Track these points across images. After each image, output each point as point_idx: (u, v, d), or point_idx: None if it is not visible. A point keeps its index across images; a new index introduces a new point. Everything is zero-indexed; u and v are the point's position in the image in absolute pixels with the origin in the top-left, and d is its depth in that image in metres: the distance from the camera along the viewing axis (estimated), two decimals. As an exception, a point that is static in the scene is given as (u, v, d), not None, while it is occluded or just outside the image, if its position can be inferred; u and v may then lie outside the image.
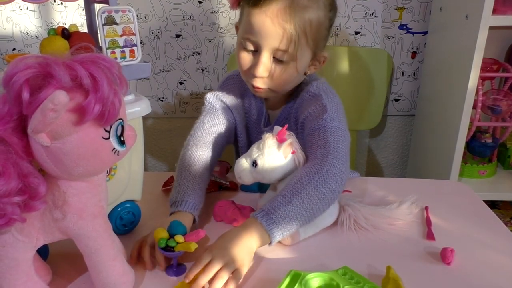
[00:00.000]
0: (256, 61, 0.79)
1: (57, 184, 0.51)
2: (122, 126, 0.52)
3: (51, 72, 0.44)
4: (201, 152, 0.86)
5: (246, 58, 0.82)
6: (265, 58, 0.78)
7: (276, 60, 0.79)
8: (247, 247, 0.65)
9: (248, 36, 0.79)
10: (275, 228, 0.66)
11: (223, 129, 0.92)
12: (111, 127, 0.50)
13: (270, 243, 0.68)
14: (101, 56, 0.48)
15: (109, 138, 0.50)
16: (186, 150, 0.86)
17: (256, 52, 0.80)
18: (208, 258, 0.63)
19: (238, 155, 1.01)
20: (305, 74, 0.86)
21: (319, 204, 0.69)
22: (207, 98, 0.94)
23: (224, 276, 0.61)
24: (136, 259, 0.68)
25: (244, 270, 0.64)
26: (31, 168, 0.47)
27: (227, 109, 0.94)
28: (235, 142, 0.99)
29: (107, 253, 0.56)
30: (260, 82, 0.82)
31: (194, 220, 0.76)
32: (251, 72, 0.81)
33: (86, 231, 0.54)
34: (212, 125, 0.91)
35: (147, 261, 0.67)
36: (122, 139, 0.52)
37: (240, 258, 0.63)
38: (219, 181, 0.92)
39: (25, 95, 0.44)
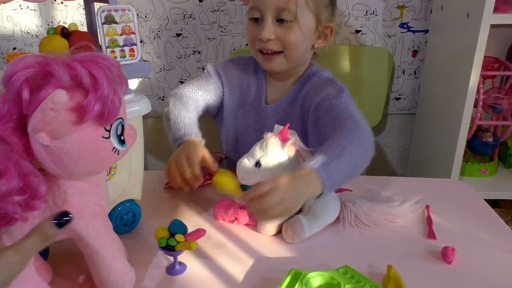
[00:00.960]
0: (261, 27, 0.88)
1: (57, 183, 0.51)
2: (123, 125, 0.52)
3: (51, 71, 0.44)
4: (190, 111, 0.93)
5: (253, 29, 0.90)
6: (269, 21, 0.87)
7: (280, 21, 0.87)
8: (303, 193, 0.67)
9: (253, 4, 0.89)
10: (329, 178, 0.68)
11: (208, 95, 0.99)
12: (111, 126, 0.50)
13: (320, 195, 0.69)
14: (101, 55, 0.48)
15: (109, 137, 0.50)
16: (171, 101, 0.93)
17: (261, 20, 0.88)
18: (268, 186, 0.65)
19: (223, 133, 1.05)
20: (313, 47, 0.93)
21: (361, 161, 0.75)
22: (206, 67, 1.02)
23: (277, 211, 0.65)
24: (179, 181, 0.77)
25: (293, 212, 0.68)
26: (32, 167, 0.47)
27: (219, 81, 1.01)
28: (216, 118, 1.05)
29: (107, 252, 0.56)
30: (270, 45, 0.88)
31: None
32: (258, 39, 0.89)
33: (87, 230, 0.54)
34: (198, 86, 0.98)
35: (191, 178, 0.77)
36: (122, 138, 0.52)
37: (296, 201, 0.67)
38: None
39: (25, 94, 0.44)
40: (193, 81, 1.00)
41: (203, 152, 0.80)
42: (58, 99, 0.43)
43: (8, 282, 0.42)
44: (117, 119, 0.50)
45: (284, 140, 0.71)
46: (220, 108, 1.03)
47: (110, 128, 0.50)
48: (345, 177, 0.72)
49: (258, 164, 0.71)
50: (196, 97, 0.97)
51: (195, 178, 0.78)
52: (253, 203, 0.66)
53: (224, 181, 0.72)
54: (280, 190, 0.64)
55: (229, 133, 1.03)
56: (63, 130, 0.46)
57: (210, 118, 1.07)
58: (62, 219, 0.43)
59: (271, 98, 0.98)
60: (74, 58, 0.47)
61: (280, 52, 0.89)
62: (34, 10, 1.44)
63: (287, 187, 0.65)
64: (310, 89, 0.93)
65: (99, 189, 0.55)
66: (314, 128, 0.91)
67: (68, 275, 0.64)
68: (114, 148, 0.51)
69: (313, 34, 0.90)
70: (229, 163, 1.03)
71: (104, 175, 0.57)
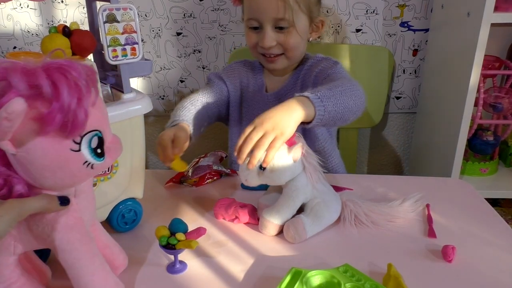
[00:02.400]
0: (262, 35, 0.93)
1: (34, 191, 0.49)
2: (100, 138, 0.49)
3: (8, 79, 0.42)
4: (194, 106, 0.95)
5: (253, 36, 0.96)
6: (268, 30, 0.92)
7: (278, 29, 0.93)
8: (289, 114, 0.69)
9: (250, 16, 0.93)
10: (320, 103, 0.71)
11: (216, 96, 1.02)
12: (82, 138, 0.47)
13: (314, 118, 0.71)
14: (70, 63, 0.46)
15: (79, 150, 0.47)
16: (180, 104, 0.96)
17: (260, 28, 0.94)
18: (250, 128, 0.67)
19: (230, 134, 1.10)
20: (309, 41, 1.00)
21: (352, 103, 0.77)
22: (208, 76, 1.07)
23: (265, 143, 0.66)
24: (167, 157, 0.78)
25: (286, 137, 0.68)
26: (5, 170, 0.46)
27: (222, 82, 1.06)
28: (226, 118, 1.08)
29: (84, 269, 0.53)
30: (272, 50, 0.94)
31: (190, 138, 0.84)
32: (259, 46, 0.95)
33: (61, 243, 0.51)
34: (206, 92, 1.01)
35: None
36: (99, 151, 0.49)
37: (281, 125, 0.67)
38: (221, 169, 0.94)
39: None
40: (198, 91, 1.03)
41: (175, 133, 0.81)
42: (12, 109, 0.41)
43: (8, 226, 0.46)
44: (91, 131, 0.48)
45: (290, 144, 0.70)
46: (227, 108, 1.08)
47: (81, 141, 0.47)
48: (336, 108, 0.74)
49: (262, 166, 0.70)
50: (204, 101, 0.99)
51: (167, 157, 0.79)
52: (243, 146, 0.67)
53: (175, 165, 0.78)
54: (259, 126, 0.67)
55: (233, 130, 1.07)
56: (25, 139, 0.44)
57: (222, 123, 1.11)
58: (64, 199, 0.50)
59: (271, 87, 1.04)
60: (42, 65, 0.44)
61: (281, 54, 0.96)
62: (34, 9, 1.44)
63: (267, 119, 0.68)
64: (307, 70, 1.00)
65: (74, 201, 0.52)
66: None
67: (67, 278, 0.63)
68: (87, 162, 0.48)
69: (307, 31, 0.98)
70: (234, 161, 1.03)
71: (86, 186, 0.54)
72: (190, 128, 0.87)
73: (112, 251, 0.62)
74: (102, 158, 0.50)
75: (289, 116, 0.69)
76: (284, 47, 0.94)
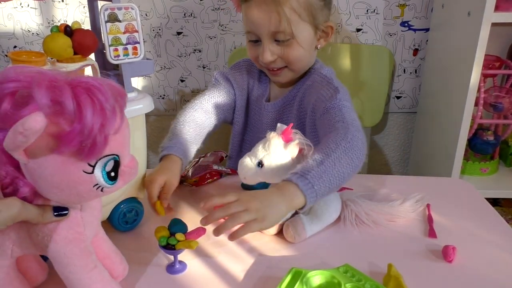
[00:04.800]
0: (261, 49, 0.88)
1: (38, 199, 0.49)
2: (116, 161, 0.48)
3: (32, 91, 0.41)
4: (197, 114, 0.92)
5: (253, 49, 0.91)
6: (266, 44, 0.87)
7: (278, 42, 0.87)
8: (276, 205, 0.64)
9: (248, 29, 0.89)
10: (310, 188, 0.65)
11: (223, 101, 0.99)
12: (97, 162, 0.45)
13: (304, 205, 0.66)
14: (101, 85, 0.44)
15: (92, 172, 0.46)
16: (182, 111, 0.93)
17: (260, 42, 0.89)
18: (232, 198, 0.63)
19: (234, 136, 1.06)
20: (316, 48, 0.93)
21: (348, 168, 0.70)
22: (214, 74, 1.03)
23: (242, 218, 0.61)
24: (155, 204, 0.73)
25: (265, 225, 0.64)
26: (14, 171, 0.46)
27: (230, 85, 1.01)
28: (231, 121, 1.05)
29: (79, 282, 0.52)
30: (273, 64, 0.90)
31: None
32: (260, 60, 0.90)
33: (57, 256, 0.50)
34: (213, 96, 0.98)
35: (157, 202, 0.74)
36: (112, 174, 0.48)
37: (266, 212, 0.63)
38: (221, 169, 0.94)
39: (5, 105, 0.41)
40: (205, 92, 0.99)
41: (167, 181, 0.77)
42: (29, 125, 0.40)
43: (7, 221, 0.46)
44: (109, 155, 0.46)
45: (287, 141, 0.70)
46: (233, 112, 1.04)
47: (95, 164, 0.45)
48: (329, 185, 0.68)
49: (260, 164, 0.70)
50: (209, 108, 0.96)
51: (153, 204, 0.74)
52: (218, 212, 0.63)
53: (157, 207, 0.73)
54: (244, 201, 0.63)
55: (235, 133, 1.05)
56: (39, 153, 0.43)
57: (227, 124, 1.07)
58: (60, 211, 0.49)
59: (273, 96, 1.00)
60: (71, 81, 0.43)
61: (285, 67, 0.91)
62: (35, 9, 1.44)
63: (254, 198, 0.64)
64: (308, 88, 0.93)
65: (80, 215, 0.52)
66: (311, 127, 0.91)
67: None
68: (97, 184, 0.47)
69: (313, 40, 0.90)
70: (234, 162, 1.03)
71: (93, 203, 0.53)
72: (183, 161, 0.83)
73: (113, 261, 0.61)
74: (114, 182, 0.48)
75: (277, 208, 0.64)
76: (286, 60, 0.89)
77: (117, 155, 0.47)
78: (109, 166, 0.47)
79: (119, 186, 0.49)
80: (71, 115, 0.41)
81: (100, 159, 0.46)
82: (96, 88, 0.43)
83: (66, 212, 0.49)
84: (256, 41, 0.89)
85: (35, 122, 0.40)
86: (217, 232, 0.62)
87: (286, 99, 0.97)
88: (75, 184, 0.46)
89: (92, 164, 0.45)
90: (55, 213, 0.48)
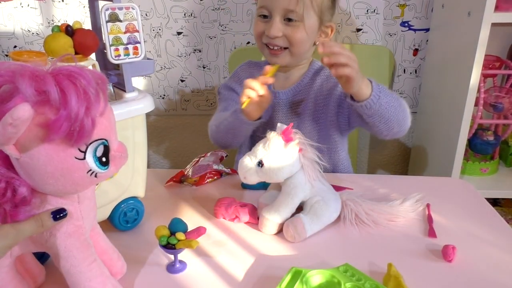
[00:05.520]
0: (270, 24, 0.94)
1: (37, 196, 0.49)
2: (106, 146, 0.49)
3: (15, 83, 0.42)
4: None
5: (261, 24, 0.97)
6: (277, 20, 0.93)
7: (287, 20, 0.93)
8: (362, 75, 0.81)
9: (263, 3, 0.94)
10: (377, 91, 0.83)
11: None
12: (87, 147, 0.46)
13: (364, 100, 0.82)
14: (80, 71, 0.45)
15: (84, 158, 0.46)
16: (209, 130, 1.04)
17: (270, 18, 0.94)
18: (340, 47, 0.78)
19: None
20: (314, 44, 0.99)
21: (401, 114, 0.88)
22: (219, 90, 1.11)
23: (347, 59, 0.77)
24: None
25: (354, 71, 0.78)
26: (7, 171, 0.46)
27: (234, 93, 1.08)
28: None
29: (81, 275, 0.53)
30: (277, 41, 0.94)
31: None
32: (265, 35, 0.95)
33: (59, 250, 0.51)
34: (225, 108, 1.04)
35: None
36: (103, 160, 0.49)
37: (359, 71, 0.79)
38: (221, 169, 0.95)
39: None
40: (218, 109, 1.08)
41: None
42: (17, 115, 0.40)
43: (2, 252, 0.46)
44: (98, 140, 0.47)
45: (287, 141, 0.70)
46: None
47: (86, 149, 0.46)
48: (388, 105, 0.84)
49: (260, 163, 0.70)
50: None
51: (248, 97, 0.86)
52: (335, 47, 0.77)
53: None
54: (352, 58, 0.78)
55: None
56: (30, 145, 0.44)
57: None
58: (58, 214, 0.49)
59: (277, 85, 1.04)
60: (52, 70, 0.44)
61: (285, 48, 0.96)
62: (35, 8, 1.44)
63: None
64: (323, 81, 1.02)
65: (78, 208, 0.52)
66: (325, 115, 1.00)
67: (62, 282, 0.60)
68: (91, 170, 0.48)
69: (316, 33, 0.97)
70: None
71: (89, 192, 0.54)
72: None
73: (111, 257, 0.62)
74: (106, 167, 0.49)
75: (362, 76, 0.81)
76: (290, 40, 0.94)
77: (105, 139, 0.48)
78: (100, 151, 0.48)
79: (112, 171, 0.51)
80: (56, 102, 0.42)
81: (89, 144, 0.46)
82: (77, 74, 0.44)
83: (65, 213, 0.50)
84: (265, 17, 0.95)
85: (23, 111, 0.41)
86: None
87: (296, 90, 1.03)
88: (69, 172, 0.46)
89: (83, 149, 0.46)
90: (54, 218, 0.49)
